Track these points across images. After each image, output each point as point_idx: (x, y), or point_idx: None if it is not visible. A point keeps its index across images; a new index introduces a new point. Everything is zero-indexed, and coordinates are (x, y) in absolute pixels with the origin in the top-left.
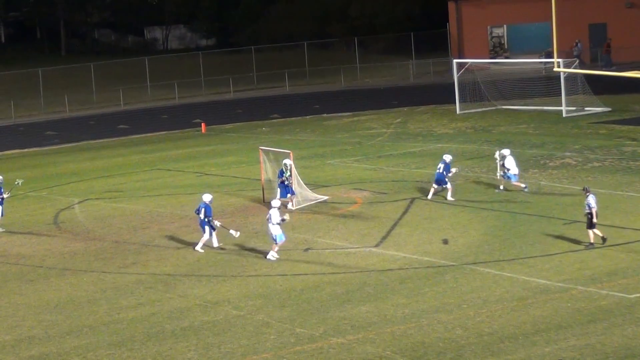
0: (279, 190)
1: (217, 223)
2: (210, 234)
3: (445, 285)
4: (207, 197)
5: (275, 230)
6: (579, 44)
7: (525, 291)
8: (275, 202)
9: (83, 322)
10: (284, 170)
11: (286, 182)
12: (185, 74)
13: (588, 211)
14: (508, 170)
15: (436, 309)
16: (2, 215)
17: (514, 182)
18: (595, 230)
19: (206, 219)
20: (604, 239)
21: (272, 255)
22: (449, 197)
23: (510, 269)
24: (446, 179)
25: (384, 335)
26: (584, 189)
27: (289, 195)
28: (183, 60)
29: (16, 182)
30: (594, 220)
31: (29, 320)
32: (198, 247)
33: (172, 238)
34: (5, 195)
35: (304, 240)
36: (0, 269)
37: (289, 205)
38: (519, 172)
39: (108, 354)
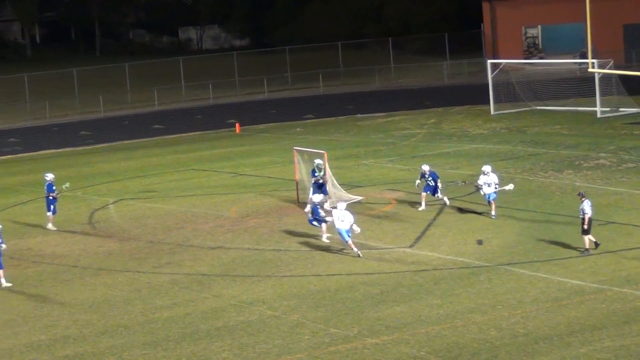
0: (311, 190)
1: (329, 219)
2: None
3: (480, 286)
4: (317, 198)
5: (341, 225)
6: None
7: (560, 292)
8: (341, 205)
9: (118, 321)
10: (317, 170)
11: (320, 182)
12: (219, 74)
13: (582, 216)
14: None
15: (470, 309)
16: (54, 213)
17: (492, 200)
18: (590, 236)
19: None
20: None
21: (357, 252)
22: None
23: (545, 270)
24: (416, 186)
25: (419, 335)
26: (579, 194)
27: (322, 195)
28: (217, 60)
29: (64, 186)
30: (585, 226)
31: (64, 319)
32: (324, 238)
33: (206, 238)
34: (55, 195)
35: (338, 241)
36: (35, 268)
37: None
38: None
39: (143, 354)
